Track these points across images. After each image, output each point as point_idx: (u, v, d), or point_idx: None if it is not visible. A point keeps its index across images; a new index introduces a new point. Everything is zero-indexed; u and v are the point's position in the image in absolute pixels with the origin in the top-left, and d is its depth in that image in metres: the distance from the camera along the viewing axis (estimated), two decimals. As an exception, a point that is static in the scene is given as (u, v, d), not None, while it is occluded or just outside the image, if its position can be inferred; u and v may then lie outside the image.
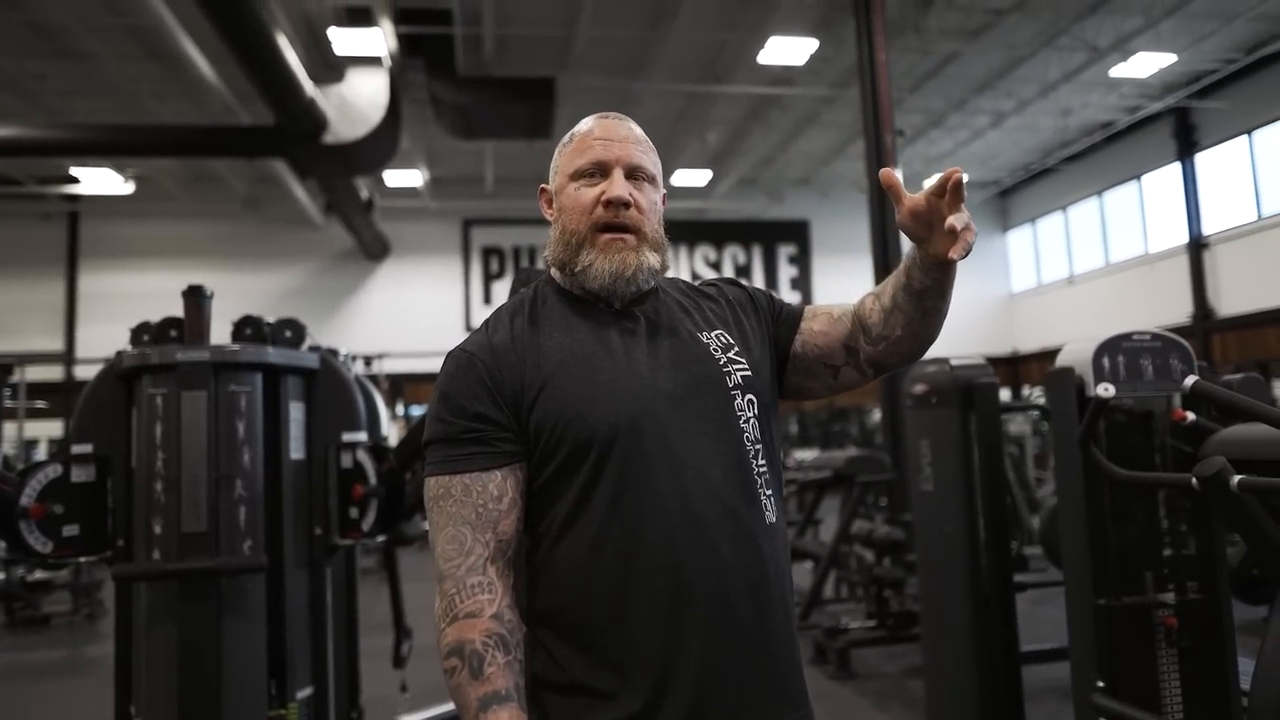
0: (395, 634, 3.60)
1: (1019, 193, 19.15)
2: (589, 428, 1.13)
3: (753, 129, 14.35)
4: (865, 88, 7.98)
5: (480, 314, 17.63)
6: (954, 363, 3.38)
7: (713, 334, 1.26)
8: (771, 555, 1.18)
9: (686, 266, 18.72)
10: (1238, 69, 12.57)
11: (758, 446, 1.21)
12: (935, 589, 3.49)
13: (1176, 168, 14.58)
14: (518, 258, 18.13)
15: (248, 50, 8.11)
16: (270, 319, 2.98)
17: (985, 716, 3.19)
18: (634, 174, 1.25)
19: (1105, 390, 2.31)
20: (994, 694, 3.20)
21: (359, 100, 10.49)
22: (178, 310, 2.82)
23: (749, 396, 1.22)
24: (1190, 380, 2.10)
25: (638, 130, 1.29)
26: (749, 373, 1.24)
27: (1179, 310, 14.43)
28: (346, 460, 2.88)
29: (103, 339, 10.56)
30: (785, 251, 19.32)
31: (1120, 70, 12.18)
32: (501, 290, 17.81)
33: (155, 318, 2.88)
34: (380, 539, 3.04)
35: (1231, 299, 13.82)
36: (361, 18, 9.65)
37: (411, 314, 17.31)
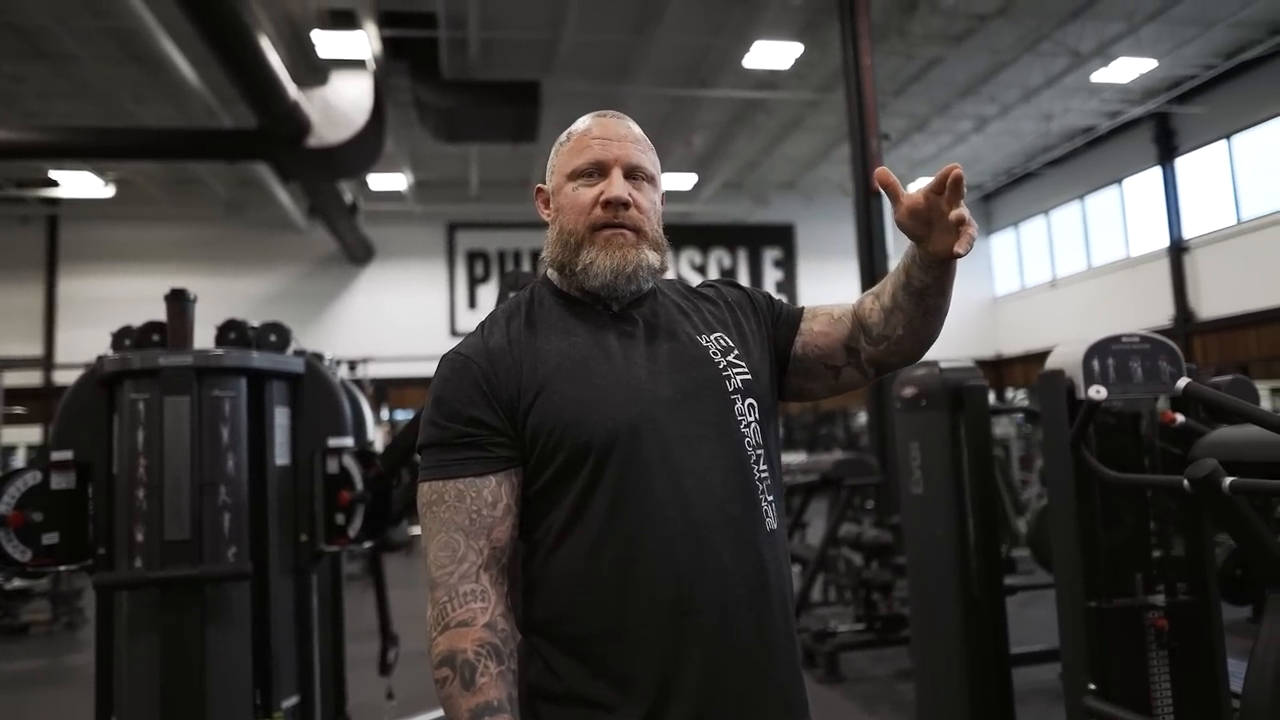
0: (382, 641, 3.56)
1: (1002, 196, 19.30)
2: (587, 433, 1.11)
3: (738, 133, 14.39)
4: (850, 92, 8.03)
5: (465, 318, 17.57)
6: (943, 366, 3.38)
7: (712, 337, 1.25)
8: (772, 562, 1.16)
9: (671, 270, 18.60)
10: (1217, 74, 12.73)
11: (759, 452, 1.19)
12: (926, 592, 3.49)
13: (1157, 172, 14.73)
14: (503, 261, 18.01)
15: (230, 52, 8.04)
16: (254, 323, 2.95)
17: (976, 719, 3.19)
18: (633, 173, 1.23)
19: (1097, 393, 2.32)
20: (984, 696, 3.20)
21: (343, 103, 10.42)
22: (159, 315, 2.79)
23: (749, 400, 1.20)
24: (1183, 382, 2.11)
25: (636, 129, 1.27)
26: (749, 376, 1.22)
27: (1160, 313, 14.56)
28: (332, 466, 2.84)
29: (82, 344, 10.44)
30: (770, 255, 19.38)
31: (1102, 75, 12.30)
32: (486, 294, 17.74)
33: (137, 322, 2.84)
34: (367, 545, 3.01)
35: (1212, 301, 13.96)
36: (345, 20, 9.61)
37: (396, 318, 17.21)
